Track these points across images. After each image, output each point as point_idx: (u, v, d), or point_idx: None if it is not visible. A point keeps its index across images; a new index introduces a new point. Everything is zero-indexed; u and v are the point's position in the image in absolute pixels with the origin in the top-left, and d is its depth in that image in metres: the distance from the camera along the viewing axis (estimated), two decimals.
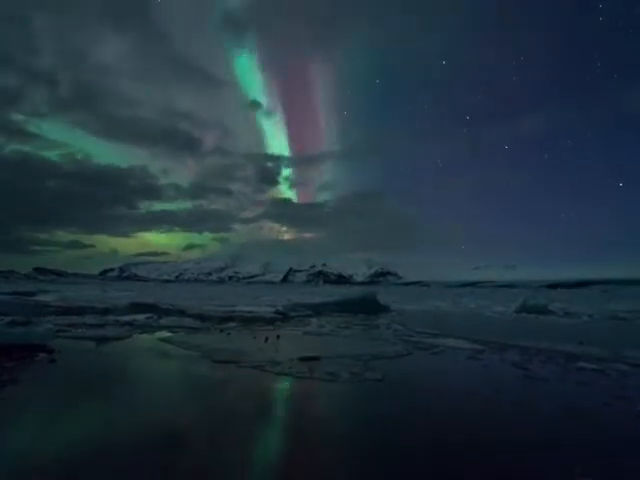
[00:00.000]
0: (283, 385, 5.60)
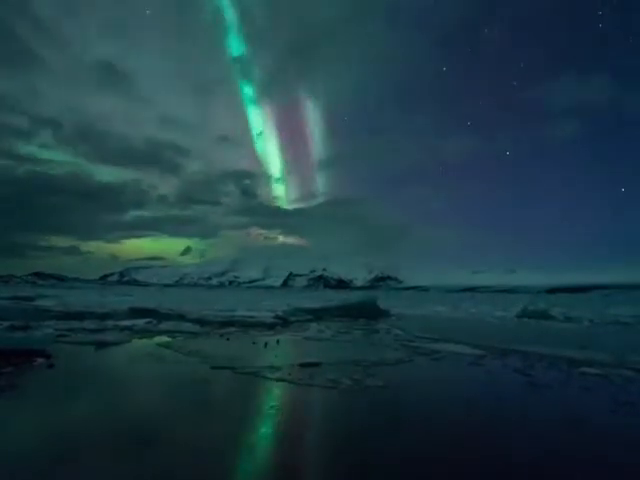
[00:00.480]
0: (283, 392, 5.53)
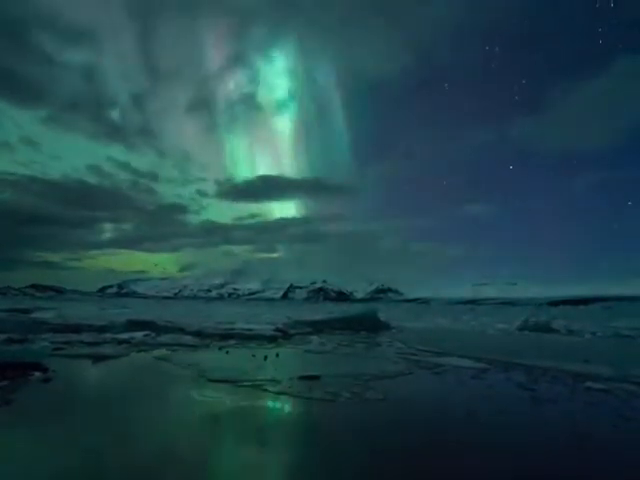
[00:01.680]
0: (281, 405, 5.45)
